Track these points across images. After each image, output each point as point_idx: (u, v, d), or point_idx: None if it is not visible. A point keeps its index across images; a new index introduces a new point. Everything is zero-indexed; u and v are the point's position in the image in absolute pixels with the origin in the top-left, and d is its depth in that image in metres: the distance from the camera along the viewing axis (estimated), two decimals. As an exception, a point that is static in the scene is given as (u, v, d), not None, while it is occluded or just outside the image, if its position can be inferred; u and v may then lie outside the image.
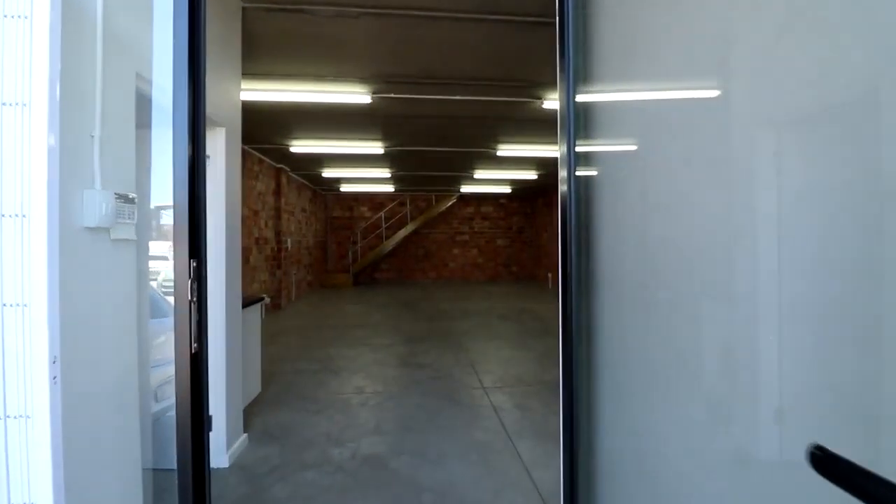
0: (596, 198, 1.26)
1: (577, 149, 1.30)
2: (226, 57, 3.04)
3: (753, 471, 0.94)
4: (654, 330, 1.12)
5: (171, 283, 1.25)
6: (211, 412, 2.92)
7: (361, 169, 10.50)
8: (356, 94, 5.21)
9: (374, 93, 5.21)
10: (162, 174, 2.68)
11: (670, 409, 1.08)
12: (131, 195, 1.93)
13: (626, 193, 1.20)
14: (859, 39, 0.72)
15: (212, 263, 2.85)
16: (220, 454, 2.90)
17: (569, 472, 1.23)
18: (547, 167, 10.21)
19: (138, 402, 1.92)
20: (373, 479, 2.76)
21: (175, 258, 1.10)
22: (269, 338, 6.63)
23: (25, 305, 1.18)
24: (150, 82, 2.15)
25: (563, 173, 1.26)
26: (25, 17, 1.26)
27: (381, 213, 15.33)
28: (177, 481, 1.14)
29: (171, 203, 1.65)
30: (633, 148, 1.20)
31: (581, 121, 1.29)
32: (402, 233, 14.73)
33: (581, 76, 1.29)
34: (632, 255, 1.17)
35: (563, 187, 1.26)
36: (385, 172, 10.80)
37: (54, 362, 1.18)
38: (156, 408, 2.81)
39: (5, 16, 1.35)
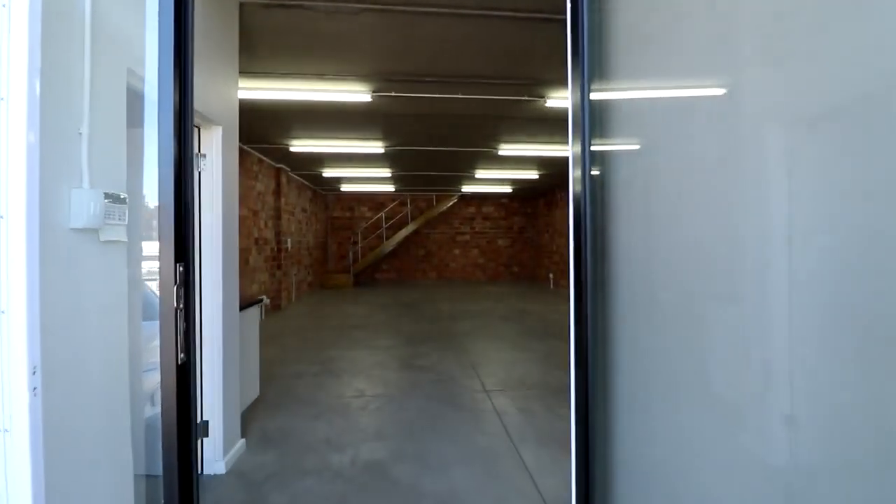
0: (611, 198, 1.19)
1: (591, 147, 1.22)
2: (222, 54, 2.97)
3: (782, 482, 0.87)
4: (675, 334, 1.05)
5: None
6: (207, 417, 2.87)
7: (362, 169, 10.43)
8: (356, 93, 5.14)
9: (374, 91, 5.14)
10: (156, 174, 2.61)
11: (693, 417, 1.01)
12: (122, 195, 1.85)
13: (645, 193, 1.13)
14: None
15: (208, 265, 2.78)
16: (216, 460, 2.82)
17: (584, 485, 1.15)
18: (549, 167, 10.13)
19: (129, 408, 1.85)
20: (373, 487, 2.69)
21: (160, 262, 1.02)
22: (269, 339, 6.56)
23: (2, 312, 1.11)
24: (142, 79, 2.08)
25: (576, 173, 1.19)
26: (3, 6, 1.19)
27: (382, 214, 15.26)
28: (162, 498, 1.06)
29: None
30: (654, 146, 1.13)
31: (596, 119, 1.21)
32: (403, 233, 14.66)
33: (595, 72, 1.22)
34: (651, 257, 1.10)
35: (576, 187, 1.19)
36: (386, 172, 10.73)
37: (34, 373, 1.11)
38: (150, 413, 2.74)
39: (-18, 5, 1.28)
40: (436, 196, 15.13)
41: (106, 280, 1.73)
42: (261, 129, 6.83)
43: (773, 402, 0.89)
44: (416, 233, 15.19)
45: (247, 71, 4.55)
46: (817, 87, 0.79)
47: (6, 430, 1.08)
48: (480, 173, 10.88)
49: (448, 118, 6.34)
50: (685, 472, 1.03)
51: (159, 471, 2.61)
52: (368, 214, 15.38)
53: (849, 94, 0.73)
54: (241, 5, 3.38)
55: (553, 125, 6.67)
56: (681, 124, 1.05)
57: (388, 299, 11.21)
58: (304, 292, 11.74)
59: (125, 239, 1.84)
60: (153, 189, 2.61)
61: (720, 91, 0.97)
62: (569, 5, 1.27)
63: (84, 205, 1.60)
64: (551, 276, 14.18)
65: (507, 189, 13.96)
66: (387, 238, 14.90)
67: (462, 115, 6.21)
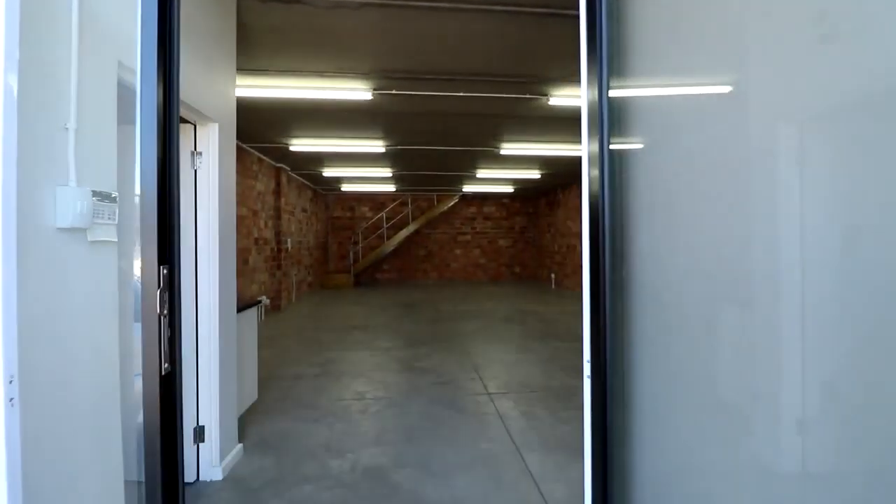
0: (630, 198, 1.11)
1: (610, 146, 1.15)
2: (219, 50, 2.89)
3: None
4: (702, 341, 0.97)
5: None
6: (203, 422, 2.79)
7: (362, 168, 10.36)
8: (357, 91, 5.06)
9: (375, 89, 5.06)
10: (149, 171, 2.51)
11: (722, 433, 0.93)
12: (113, 193, 1.78)
13: (668, 193, 1.05)
14: None
15: (204, 266, 2.71)
16: (213, 466, 2.75)
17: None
18: (551, 166, 10.05)
19: (120, 414, 1.77)
20: (373, 495, 2.61)
21: (142, 264, 0.95)
22: (268, 340, 6.49)
23: (-25, 318, 1.04)
24: (134, 72, 2.01)
25: (593, 172, 1.11)
26: (-23, -9, 1.11)
27: (383, 213, 15.19)
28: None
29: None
30: (679, 144, 1.05)
31: (614, 117, 1.14)
32: (404, 233, 14.59)
33: (613, 67, 1.14)
34: (675, 260, 1.02)
35: (592, 187, 1.11)
36: (386, 172, 10.66)
37: (11, 382, 1.04)
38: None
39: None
40: (437, 196, 15.05)
41: (95, 282, 1.66)
42: (260, 128, 6.76)
43: (811, 412, 0.81)
44: (416, 233, 15.12)
45: (245, 68, 4.47)
46: (856, 83, 0.72)
47: (-20, 444, 1.01)
48: (482, 173, 10.81)
49: (450, 117, 6.26)
50: (714, 491, 0.95)
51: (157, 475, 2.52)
52: (369, 214, 15.31)
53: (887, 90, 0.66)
54: (239, 0, 3.30)
55: (556, 124, 6.59)
56: (708, 121, 0.97)
57: (389, 300, 11.14)
58: (305, 292, 11.67)
59: (115, 239, 1.77)
60: (146, 187, 2.52)
61: (752, 86, 0.89)
62: (585, -4, 1.19)
63: (70, 203, 1.53)
64: (553, 276, 14.10)
65: (509, 189, 13.89)
66: (387, 238, 14.83)
67: (464, 114, 6.14)
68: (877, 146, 0.70)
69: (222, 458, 2.81)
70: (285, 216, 9.76)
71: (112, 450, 1.75)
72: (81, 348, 1.59)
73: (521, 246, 16.09)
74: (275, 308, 9.19)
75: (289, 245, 9.99)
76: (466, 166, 10.06)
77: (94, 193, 1.63)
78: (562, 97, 5.35)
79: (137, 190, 1.06)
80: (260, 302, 4.10)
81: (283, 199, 9.59)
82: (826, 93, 0.77)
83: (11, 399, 1.03)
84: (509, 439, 3.34)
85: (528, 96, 5.34)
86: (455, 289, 13.48)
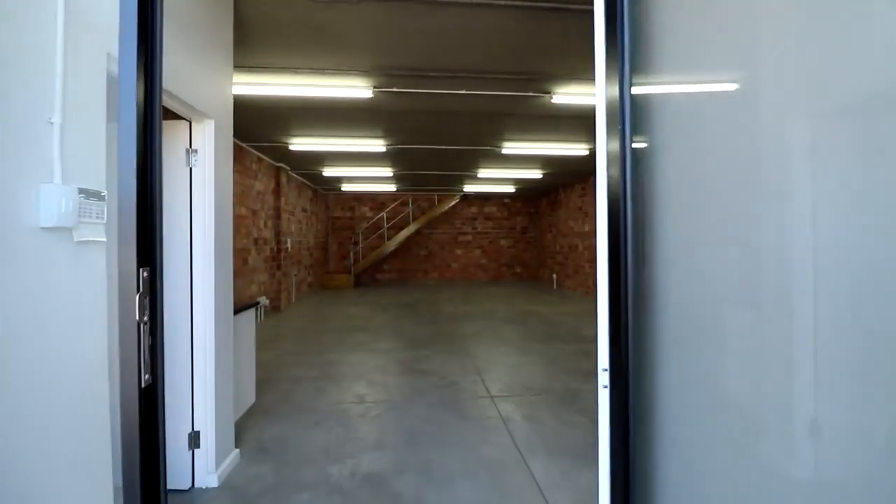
0: (653, 199, 1.03)
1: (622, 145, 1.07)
2: (215, 44, 2.81)
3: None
4: (736, 353, 0.89)
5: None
6: (199, 427, 2.71)
7: (363, 168, 10.29)
8: (357, 89, 4.99)
9: (375, 87, 4.98)
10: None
11: (765, 460, 0.85)
12: (102, 192, 1.71)
13: (698, 195, 0.98)
14: None
15: (200, 267, 2.63)
16: (208, 473, 2.67)
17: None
18: (553, 165, 9.97)
19: (109, 420, 1.70)
20: (373, 503, 2.53)
21: (119, 267, 0.87)
22: (267, 342, 6.41)
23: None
24: (125, 66, 1.93)
25: (612, 172, 1.03)
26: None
27: (383, 213, 15.11)
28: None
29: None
30: (707, 142, 0.97)
31: (638, 113, 1.06)
32: (405, 233, 14.51)
33: (635, 60, 1.06)
34: (705, 265, 0.94)
35: (611, 188, 1.03)
36: (387, 171, 10.58)
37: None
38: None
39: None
40: (437, 196, 14.98)
41: (81, 283, 1.58)
42: (259, 126, 6.69)
43: (855, 427, 0.74)
44: (417, 233, 15.04)
45: (243, 65, 4.40)
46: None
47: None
48: (483, 172, 10.73)
49: (451, 115, 6.19)
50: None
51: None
52: (369, 214, 15.23)
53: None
54: (236, -6, 3.23)
55: (558, 122, 6.51)
56: (740, 118, 0.90)
57: (390, 300, 11.06)
58: (305, 293, 11.59)
59: (103, 238, 1.70)
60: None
61: (795, 76, 0.81)
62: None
63: (55, 201, 1.45)
64: (554, 276, 14.02)
65: (510, 189, 13.81)
66: (388, 238, 14.75)
67: (465, 113, 6.06)
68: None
69: (218, 464, 2.73)
70: (285, 216, 9.69)
71: (101, 456, 1.67)
72: (67, 353, 1.51)
73: (522, 246, 16.01)
74: (274, 309, 9.12)
75: (288, 245, 9.91)
76: (468, 166, 9.98)
77: (81, 191, 1.56)
78: (565, 95, 5.27)
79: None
80: (258, 303, 4.03)
81: (282, 199, 9.52)
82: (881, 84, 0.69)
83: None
84: (513, 444, 3.26)
85: (530, 94, 5.26)
86: (456, 289, 13.40)
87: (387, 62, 4.45)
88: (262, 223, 8.68)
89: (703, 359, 0.95)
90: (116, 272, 0.86)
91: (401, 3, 3.43)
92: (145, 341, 0.88)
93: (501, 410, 3.90)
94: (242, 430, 3.42)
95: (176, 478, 2.62)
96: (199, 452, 2.67)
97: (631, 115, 1.03)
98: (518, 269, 15.99)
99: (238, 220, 7.50)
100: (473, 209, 15.71)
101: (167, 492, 0.95)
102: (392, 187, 13.37)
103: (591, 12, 1.15)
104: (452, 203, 14.91)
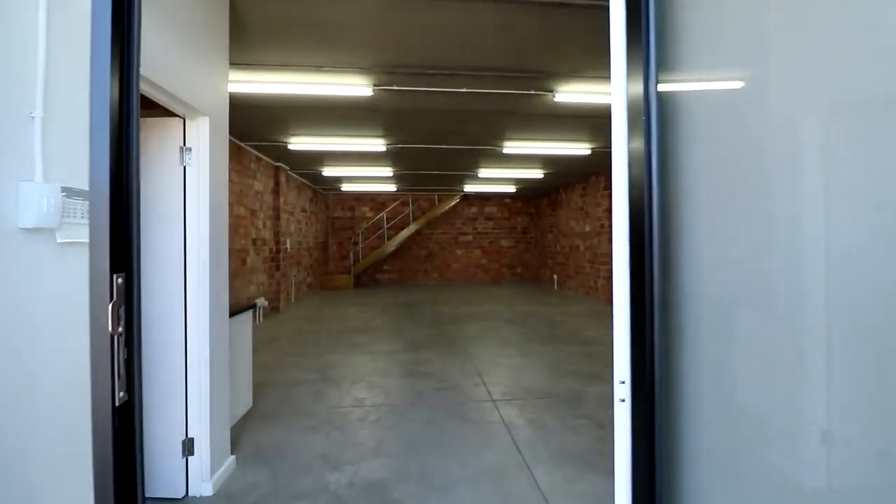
0: (680, 202, 0.95)
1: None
2: (210, 38, 2.74)
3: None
4: (780, 371, 0.81)
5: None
6: (192, 434, 2.63)
7: (363, 167, 10.21)
8: (356, 87, 4.91)
9: (375, 85, 4.90)
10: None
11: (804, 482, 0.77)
12: (87, 190, 1.63)
13: (732, 196, 0.90)
14: None
15: (194, 268, 2.55)
16: (203, 481, 2.59)
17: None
18: (555, 165, 9.89)
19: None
20: (373, 512, 2.46)
21: (90, 273, 0.79)
22: (266, 343, 6.33)
23: None
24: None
25: (635, 173, 0.95)
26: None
27: (383, 214, 15.03)
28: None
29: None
30: (746, 140, 0.89)
31: (665, 111, 0.98)
32: (405, 233, 14.42)
33: (662, 54, 0.98)
34: (742, 272, 0.87)
35: (634, 191, 0.95)
36: (387, 171, 10.50)
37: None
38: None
39: None
40: (438, 196, 14.90)
41: (64, 287, 1.50)
42: (258, 125, 6.61)
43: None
44: (417, 233, 14.96)
45: (240, 62, 4.32)
46: None
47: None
48: (484, 172, 10.65)
49: (452, 114, 6.10)
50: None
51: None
52: (369, 214, 15.15)
53: None
54: (232, -11, 3.15)
55: (561, 121, 6.44)
56: (776, 113, 0.82)
57: (390, 301, 10.98)
58: (304, 293, 11.51)
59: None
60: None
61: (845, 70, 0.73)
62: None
63: (35, 200, 1.37)
64: (555, 277, 13.94)
65: (511, 189, 13.72)
66: (388, 238, 14.67)
67: (466, 112, 5.98)
68: None
69: (213, 471, 2.65)
70: (284, 216, 9.61)
71: (87, 465, 1.59)
72: (51, 362, 1.43)
73: (522, 246, 15.93)
74: (273, 310, 9.03)
75: (288, 245, 9.83)
76: (468, 165, 9.90)
77: (65, 190, 1.48)
78: (567, 93, 5.19)
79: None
80: (255, 305, 3.95)
81: (282, 199, 9.44)
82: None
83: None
84: (516, 450, 3.18)
85: (532, 92, 5.18)
86: (456, 290, 13.31)
87: (387, 59, 4.37)
88: (260, 223, 8.60)
89: (737, 373, 0.87)
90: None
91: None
92: (120, 354, 0.80)
93: (504, 414, 3.82)
94: (239, 435, 3.34)
95: (169, 486, 2.54)
96: (193, 460, 2.59)
97: (657, 113, 0.95)
98: (519, 270, 15.91)
99: (236, 221, 7.42)
100: (474, 209, 15.63)
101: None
102: (392, 187, 13.29)
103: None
104: (453, 203, 14.83)
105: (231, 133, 7.09)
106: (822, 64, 0.76)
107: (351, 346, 6.26)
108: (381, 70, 4.59)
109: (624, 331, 0.96)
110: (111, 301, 0.78)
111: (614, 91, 1.03)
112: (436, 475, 2.83)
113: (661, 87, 0.97)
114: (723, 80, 0.95)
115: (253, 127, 6.67)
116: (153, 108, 2.51)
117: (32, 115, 1.40)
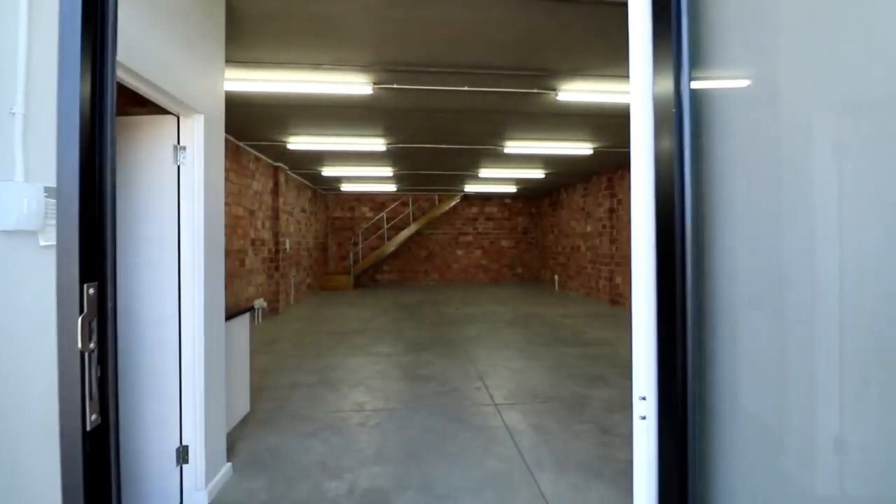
0: (713, 204, 0.87)
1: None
2: (206, 34, 2.66)
3: None
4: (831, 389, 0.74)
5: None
6: (187, 441, 2.55)
7: (363, 167, 10.13)
8: (356, 85, 4.83)
9: (375, 83, 4.83)
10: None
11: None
12: (74, 190, 1.55)
13: (772, 200, 0.82)
14: None
15: (188, 270, 2.48)
16: (198, 490, 2.52)
17: None
18: (556, 165, 9.81)
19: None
20: (373, 522, 2.38)
21: (57, 282, 0.71)
22: (264, 345, 6.26)
23: None
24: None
25: (663, 174, 0.88)
26: None
27: (383, 214, 14.95)
28: None
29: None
30: (789, 143, 0.81)
31: (698, 108, 0.90)
32: (405, 233, 14.35)
33: (694, 49, 0.90)
34: (780, 282, 0.79)
35: (662, 192, 0.87)
36: (387, 171, 10.42)
37: None
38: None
39: None
40: (438, 196, 14.82)
41: (49, 292, 1.43)
42: (256, 124, 6.53)
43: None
44: (417, 233, 14.88)
45: (237, 60, 4.24)
46: None
47: None
48: (485, 172, 10.57)
49: (452, 113, 6.03)
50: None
51: (134, 501, 2.28)
52: (369, 215, 15.07)
53: None
54: (229, -16, 3.07)
55: (563, 120, 6.36)
56: (818, 111, 0.74)
57: (390, 302, 10.90)
58: (304, 294, 11.43)
59: (75, 243, 1.54)
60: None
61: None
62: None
63: (15, 201, 1.29)
64: (556, 277, 13.86)
65: (512, 189, 13.64)
66: (388, 239, 14.59)
67: (467, 111, 5.90)
68: None
69: (208, 480, 2.57)
70: (284, 216, 9.53)
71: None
72: (33, 370, 1.36)
73: (523, 247, 15.85)
74: (272, 311, 8.96)
75: (287, 246, 9.75)
76: (469, 165, 9.82)
77: (47, 190, 1.40)
78: (571, 92, 5.11)
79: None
80: (252, 308, 3.87)
81: (281, 199, 9.36)
82: None
83: None
84: (519, 456, 3.11)
85: (535, 91, 5.10)
86: (456, 290, 13.24)
87: (387, 57, 4.29)
88: (259, 224, 8.52)
89: (776, 391, 0.79)
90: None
91: (402, -6, 3.28)
92: (92, 373, 0.72)
93: (506, 419, 3.74)
94: (235, 441, 3.26)
95: (163, 495, 2.47)
96: (188, 468, 2.51)
97: (690, 112, 0.87)
98: (519, 270, 15.83)
99: (235, 221, 7.34)
100: (474, 209, 15.55)
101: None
102: (392, 187, 13.21)
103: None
104: (453, 203, 14.75)
105: (229, 132, 7.02)
106: (879, 56, 0.69)
107: (350, 348, 6.18)
108: (381, 68, 4.52)
109: (646, 343, 0.89)
110: (81, 314, 0.70)
111: (635, 89, 0.95)
112: (437, 483, 2.76)
113: (695, 85, 0.89)
114: (760, 75, 0.87)
115: (251, 126, 6.60)
116: (146, 106, 2.43)
117: (13, 111, 1.33)
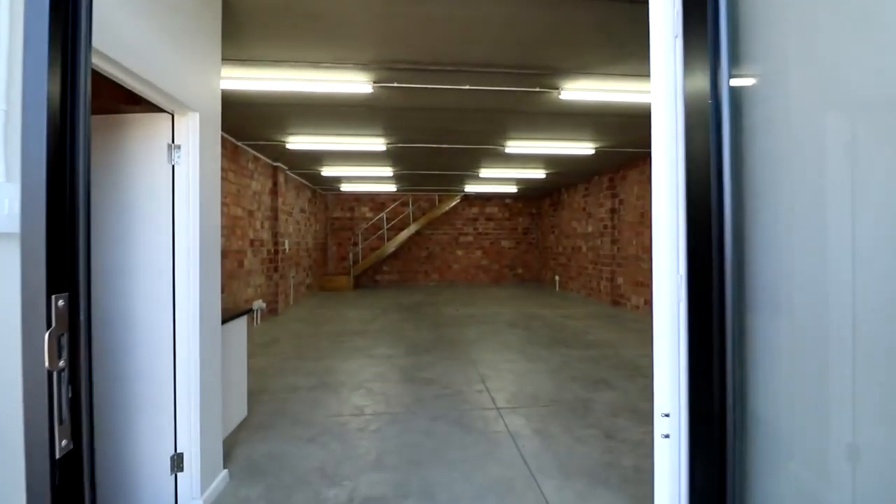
0: (751, 205, 0.80)
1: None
2: (201, 30, 2.59)
3: None
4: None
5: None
6: (182, 449, 2.47)
7: (363, 167, 10.06)
8: (356, 83, 4.76)
9: (375, 81, 4.76)
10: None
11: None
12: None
13: (816, 200, 0.75)
14: None
15: (182, 273, 2.41)
16: (193, 498, 2.45)
17: None
18: (557, 165, 9.74)
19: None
20: (373, 533, 2.31)
21: (22, 293, 0.64)
22: (263, 347, 6.19)
23: None
24: (94, 48, 1.71)
25: (696, 176, 0.81)
26: None
27: (383, 214, 14.88)
28: None
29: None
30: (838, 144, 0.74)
31: (738, 109, 0.83)
32: (405, 234, 14.28)
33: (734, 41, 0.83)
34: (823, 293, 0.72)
35: (693, 195, 0.80)
36: (387, 171, 10.35)
37: None
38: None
39: None
40: (438, 196, 14.75)
41: (32, 298, 1.36)
42: (255, 124, 6.46)
43: None
44: (417, 234, 14.82)
45: (234, 58, 4.17)
46: None
47: None
48: (485, 172, 10.50)
49: (453, 113, 5.96)
50: None
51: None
52: (369, 215, 15.00)
53: None
54: (226, -21, 3.00)
55: (565, 120, 6.29)
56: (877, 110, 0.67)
57: (390, 303, 10.83)
58: (303, 295, 11.36)
59: (61, 245, 1.47)
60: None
61: None
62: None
63: (-4, 202, 1.23)
64: (557, 278, 13.79)
65: (512, 189, 13.57)
66: (388, 239, 14.52)
67: (468, 110, 5.83)
68: None
69: (204, 488, 2.50)
70: (283, 217, 9.45)
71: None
72: (13, 381, 1.29)
73: (524, 247, 15.79)
74: (271, 312, 8.88)
75: (286, 246, 9.68)
76: (469, 165, 9.75)
77: (31, 190, 1.33)
78: (574, 91, 5.04)
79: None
80: (251, 310, 3.80)
81: (280, 200, 9.29)
82: None
83: None
84: (523, 462, 3.04)
85: (537, 90, 5.03)
86: (457, 291, 13.17)
87: (388, 55, 4.22)
88: (258, 224, 8.45)
89: (820, 407, 0.72)
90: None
91: (402, -10, 3.21)
92: (63, 394, 0.65)
93: (509, 424, 3.67)
94: (232, 446, 3.19)
95: (157, 504, 2.40)
96: (183, 476, 2.44)
97: (730, 111, 0.80)
98: (520, 271, 15.77)
99: (233, 222, 7.27)
100: (474, 209, 15.48)
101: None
102: (392, 187, 13.14)
103: None
104: (453, 203, 14.68)
105: (227, 132, 6.95)
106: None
107: (350, 350, 6.11)
108: (382, 66, 4.45)
109: (669, 354, 0.82)
110: (49, 328, 0.64)
111: (659, 86, 0.88)
112: (439, 491, 2.69)
113: (734, 82, 0.82)
114: (804, 69, 0.80)
115: (250, 125, 6.53)
116: (139, 104, 2.36)
117: (-6, 107, 1.25)
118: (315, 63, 4.34)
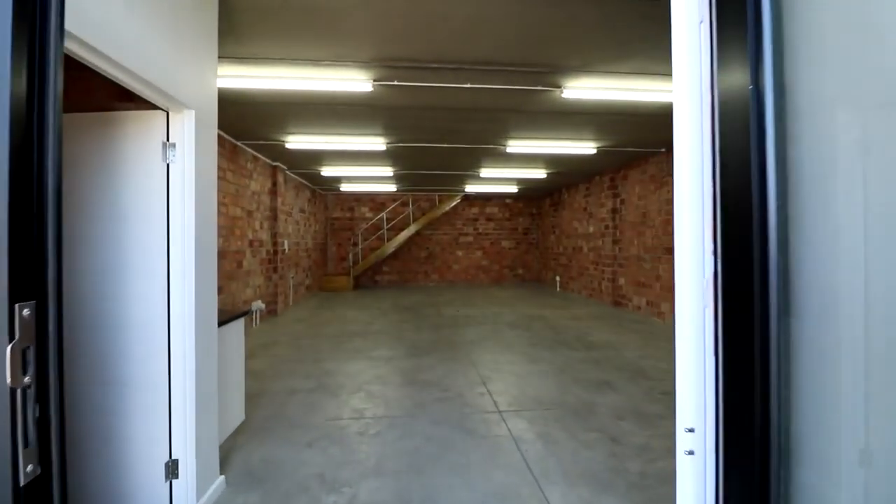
0: (800, 206, 0.74)
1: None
2: (197, 26, 2.53)
3: None
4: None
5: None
6: (177, 455, 2.40)
7: (362, 167, 9.99)
8: (356, 82, 4.70)
9: (375, 80, 4.69)
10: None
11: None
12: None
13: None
14: None
15: (178, 275, 2.34)
16: (188, 506, 2.38)
17: None
18: (558, 165, 9.68)
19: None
20: (373, 542, 2.25)
21: (-18, 302, 0.58)
22: (261, 349, 6.12)
23: None
24: (83, 43, 1.65)
25: (730, 176, 0.74)
26: None
27: (383, 214, 14.82)
28: None
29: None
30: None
31: (781, 99, 0.76)
32: (405, 234, 14.21)
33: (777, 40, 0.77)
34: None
35: (728, 199, 0.74)
36: (387, 171, 10.29)
37: None
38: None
39: None
40: (438, 196, 14.69)
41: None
42: (254, 123, 6.39)
43: None
44: (417, 234, 14.75)
45: (232, 56, 4.11)
46: None
47: None
48: (486, 172, 10.44)
49: (454, 112, 5.90)
50: None
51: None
52: (369, 215, 14.94)
53: None
54: (222, -26, 2.94)
55: (567, 119, 6.23)
56: None
57: (390, 303, 10.76)
58: (303, 296, 11.29)
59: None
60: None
61: None
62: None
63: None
64: (558, 279, 13.73)
65: (513, 189, 13.50)
66: (388, 239, 14.45)
67: (469, 109, 5.77)
68: None
69: (199, 495, 2.44)
70: (282, 217, 9.39)
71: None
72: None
73: (524, 247, 15.72)
74: (270, 313, 8.82)
75: (286, 247, 9.61)
76: (470, 165, 9.69)
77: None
78: (576, 89, 4.98)
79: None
80: (248, 312, 3.73)
81: (279, 200, 9.22)
82: None
83: None
84: (526, 468, 2.97)
85: (539, 88, 4.97)
86: (457, 292, 13.10)
87: (388, 52, 4.16)
88: (257, 224, 8.39)
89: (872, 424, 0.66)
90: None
91: (403, -14, 3.14)
92: (28, 413, 0.58)
93: (511, 427, 3.61)
94: (229, 451, 3.13)
95: (151, 513, 2.33)
96: (178, 483, 2.37)
97: (775, 112, 0.74)
98: (520, 271, 15.70)
99: (232, 222, 7.21)
100: (475, 209, 15.42)
101: None
102: (392, 187, 13.08)
103: None
104: (453, 203, 14.62)
105: (226, 131, 6.88)
106: None
107: (350, 352, 6.05)
108: (382, 64, 4.38)
109: (695, 364, 0.75)
110: (11, 341, 0.57)
111: (683, 84, 0.82)
112: (440, 498, 2.62)
113: (769, 77, 0.76)
114: (857, 57, 0.74)
115: (249, 125, 6.46)
116: (133, 101, 2.30)
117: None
118: (314, 61, 4.28)
